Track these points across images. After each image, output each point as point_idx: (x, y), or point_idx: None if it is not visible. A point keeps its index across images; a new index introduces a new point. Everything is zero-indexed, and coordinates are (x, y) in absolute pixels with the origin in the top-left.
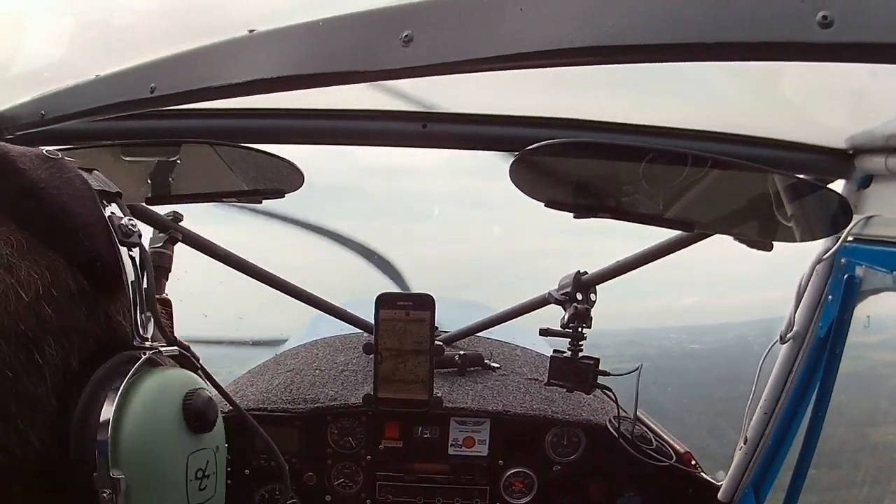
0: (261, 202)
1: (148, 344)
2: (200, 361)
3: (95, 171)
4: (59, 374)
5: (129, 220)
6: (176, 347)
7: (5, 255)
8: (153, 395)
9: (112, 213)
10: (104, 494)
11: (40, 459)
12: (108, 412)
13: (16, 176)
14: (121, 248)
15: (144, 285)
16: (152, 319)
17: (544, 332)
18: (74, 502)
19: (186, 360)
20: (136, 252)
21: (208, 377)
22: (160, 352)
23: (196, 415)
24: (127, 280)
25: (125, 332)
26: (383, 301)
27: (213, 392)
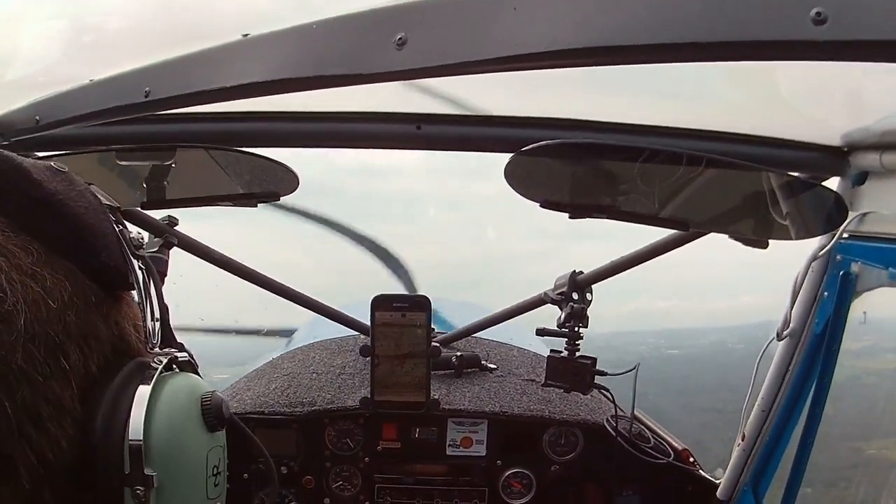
0: (256, 206)
1: (162, 350)
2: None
3: (93, 186)
4: (83, 378)
5: (139, 232)
6: (186, 353)
7: (27, 265)
8: (176, 397)
9: (122, 224)
10: (138, 491)
11: (69, 462)
12: (138, 414)
13: (31, 187)
14: (131, 258)
15: (153, 294)
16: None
17: (541, 332)
18: (103, 502)
19: (187, 364)
20: (141, 262)
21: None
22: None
23: (215, 414)
24: (140, 289)
25: (133, 339)
26: (379, 303)
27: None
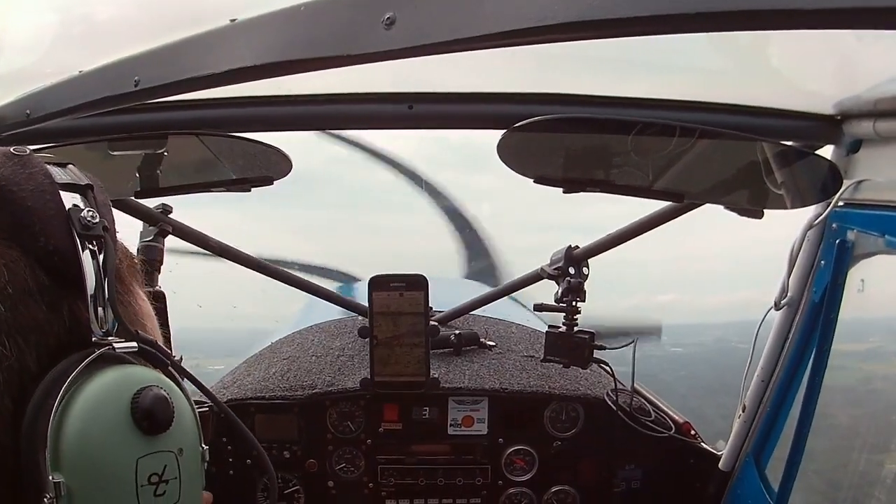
0: (249, 190)
1: (110, 340)
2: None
3: (70, 166)
4: (15, 374)
5: (90, 211)
6: (135, 343)
7: None
8: (98, 394)
9: (74, 205)
10: (45, 499)
11: None
12: (51, 414)
13: None
14: (81, 240)
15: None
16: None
17: (539, 308)
18: None
19: (154, 355)
20: (93, 243)
21: (181, 371)
22: (128, 348)
23: (144, 414)
24: (85, 273)
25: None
26: (376, 283)
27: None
